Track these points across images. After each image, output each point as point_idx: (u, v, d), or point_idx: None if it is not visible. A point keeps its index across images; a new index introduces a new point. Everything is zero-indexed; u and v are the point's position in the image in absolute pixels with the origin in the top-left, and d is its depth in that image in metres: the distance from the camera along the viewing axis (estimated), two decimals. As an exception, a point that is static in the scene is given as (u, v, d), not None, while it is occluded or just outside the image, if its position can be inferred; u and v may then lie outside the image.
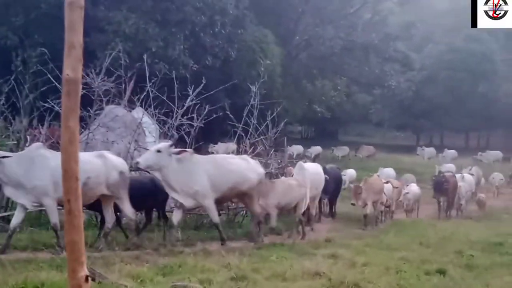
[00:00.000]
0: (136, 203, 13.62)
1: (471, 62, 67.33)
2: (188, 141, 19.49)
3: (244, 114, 20.25)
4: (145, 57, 23.09)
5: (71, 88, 4.26)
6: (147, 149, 19.28)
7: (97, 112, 18.81)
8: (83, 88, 16.53)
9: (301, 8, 54.60)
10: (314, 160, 38.92)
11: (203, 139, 32.22)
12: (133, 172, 15.57)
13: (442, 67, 68.57)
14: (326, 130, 75.25)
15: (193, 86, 20.36)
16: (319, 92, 56.20)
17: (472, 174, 29.78)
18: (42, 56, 23.97)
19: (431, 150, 52.18)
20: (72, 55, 4.23)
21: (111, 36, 34.70)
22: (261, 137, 20.92)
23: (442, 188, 24.33)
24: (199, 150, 21.45)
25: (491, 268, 13.38)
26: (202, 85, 20.47)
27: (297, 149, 46.54)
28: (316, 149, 47.92)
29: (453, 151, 52.28)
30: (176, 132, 19.82)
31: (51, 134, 18.48)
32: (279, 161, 21.51)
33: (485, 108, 67.12)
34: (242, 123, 20.26)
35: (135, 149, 18.25)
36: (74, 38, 4.24)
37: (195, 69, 36.84)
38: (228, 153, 25.29)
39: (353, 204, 19.89)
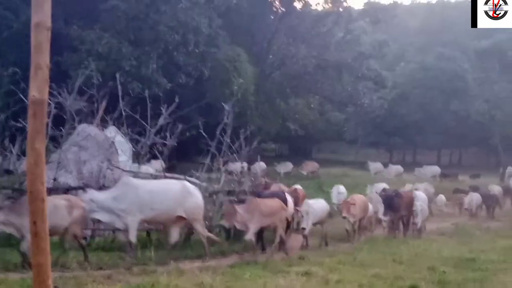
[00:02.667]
0: None
1: (442, 80, 68.10)
2: (161, 160, 19.51)
3: (218, 133, 20.26)
4: (118, 76, 23.09)
5: (37, 109, 4.25)
6: (120, 168, 19.30)
7: (69, 131, 18.73)
8: (55, 107, 16.65)
9: (274, 27, 54.93)
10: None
11: (176, 158, 32.31)
12: None
13: (414, 85, 69.28)
14: (300, 147, 75.34)
15: (166, 105, 20.40)
16: (293, 110, 56.43)
17: (415, 189, 28.64)
18: (14, 75, 23.86)
19: (377, 165, 51.47)
20: (39, 76, 4.23)
21: (84, 55, 34.55)
22: (234, 154, 20.96)
23: (393, 204, 22.41)
24: (173, 168, 21.45)
25: (463, 284, 13.44)
26: (175, 104, 20.50)
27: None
28: (287, 166, 47.37)
29: (398, 166, 52.02)
30: (149, 151, 19.83)
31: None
32: (252, 179, 21.50)
33: (457, 125, 67.83)
34: (215, 141, 20.26)
35: (107, 168, 18.17)
36: (41, 59, 4.24)
37: (168, 87, 36.78)
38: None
39: (344, 218, 20.03)
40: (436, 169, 51.58)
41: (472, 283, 13.65)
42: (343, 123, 73.22)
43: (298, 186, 24.63)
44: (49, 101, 17.47)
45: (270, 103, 52.75)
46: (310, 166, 48.23)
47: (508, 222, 28.53)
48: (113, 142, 19.41)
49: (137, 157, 20.77)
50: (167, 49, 38.35)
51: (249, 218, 15.68)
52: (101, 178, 17.76)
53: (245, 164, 24.80)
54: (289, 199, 18.84)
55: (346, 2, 57.10)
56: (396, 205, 22.32)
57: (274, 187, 22.16)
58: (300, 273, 13.28)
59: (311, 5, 58.76)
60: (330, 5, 57.06)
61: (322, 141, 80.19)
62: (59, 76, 28.42)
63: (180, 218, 14.79)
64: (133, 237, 14.14)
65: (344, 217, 19.76)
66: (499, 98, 61.81)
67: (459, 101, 67.59)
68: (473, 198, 30.45)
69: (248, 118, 34.85)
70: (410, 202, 23.39)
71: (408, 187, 30.34)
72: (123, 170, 19.67)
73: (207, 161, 21.07)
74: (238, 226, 15.89)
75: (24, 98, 16.70)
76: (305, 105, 60.01)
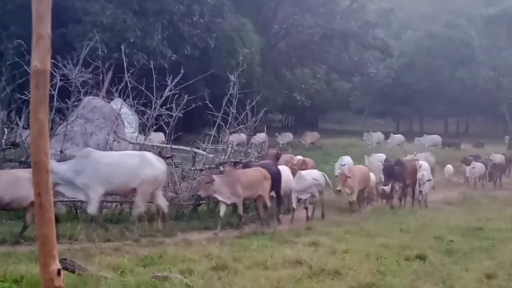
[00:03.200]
0: None
1: (449, 48, 67.60)
2: (167, 131, 19.45)
3: (223, 104, 20.18)
4: (123, 47, 23.01)
5: (40, 80, 4.20)
6: (126, 140, 19.30)
7: (75, 103, 18.66)
8: (60, 80, 16.58)
9: (279, -4, 54.63)
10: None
11: (182, 129, 32.22)
12: None
13: (420, 54, 68.80)
14: (306, 118, 75.30)
15: (171, 76, 20.26)
16: (299, 80, 56.24)
17: (416, 160, 27.24)
18: (19, 48, 23.69)
19: (378, 135, 50.13)
20: (40, 46, 4.17)
21: (88, 27, 34.45)
22: (241, 126, 20.89)
23: (394, 173, 21.74)
24: (179, 139, 21.42)
25: (470, 253, 13.46)
26: (180, 75, 20.37)
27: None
28: (287, 136, 46.67)
29: (399, 135, 50.79)
30: (155, 122, 19.77)
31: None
32: (259, 149, 21.47)
33: (464, 94, 67.47)
34: (221, 112, 20.19)
35: (114, 140, 18.16)
36: (42, 29, 4.17)
37: (173, 59, 36.68)
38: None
39: (339, 191, 19.96)
40: (436, 138, 50.41)
41: (479, 251, 13.67)
42: (350, 92, 73.01)
43: (304, 158, 24.38)
44: (54, 73, 17.43)
45: (276, 73, 52.61)
46: (310, 136, 47.21)
47: (516, 190, 28.54)
48: (119, 114, 19.38)
49: (143, 129, 20.74)
50: (172, 20, 38.16)
51: (227, 189, 15.30)
52: (108, 150, 17.75)
53: (243, 136, 24.35)
54: (286, 170, 18.61)
55: (352, -30, 56.65)
56: (398, 174, 21.79)
57: (284, 157, 22.09)
58: (307, 243, 13.31)
59: (317, -26, 58.27)
60: (335, -27, 56.55)
61: (329, 111, 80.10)
62: (64, 48, 28.36)
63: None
64: (93, 209, 13.76)
65: (339, 191, 19.68)
66: (507, 65, 61.42)
67: (465, 69, 67.13)
68: (475, 167, 29.69)
69: (254, 89, 34.66)
70: (414, 171, 23.03)
71: (409, 157, 29.01)
72: (130, 142, 19.67)
73: (213, 132, 21.03)
74: (216, 196, 15.47)
75: (29, 70, 16.62)
76: (311, 75, 59.76)
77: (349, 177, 19.30)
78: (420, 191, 22.80)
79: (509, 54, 61.96)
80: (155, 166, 14.65)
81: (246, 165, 18.29)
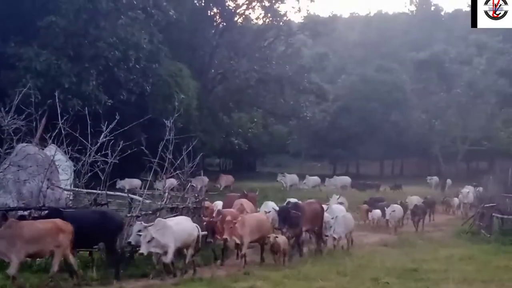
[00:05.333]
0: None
1: (382, 92, 69.24)
2: (102, 178, 19.24)
3: (160, 149, 20.10)
4: (56, 93, 22.79)
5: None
6: (61, 187, 19.00)
7: (7, 151, 18.39)
8: (-8, 127, 16.21)
9: (215, 41, 55.08)
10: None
11: (119, 175, 31.93)
12: None
13: (355, 98, 70.13)
14: (244, 161, 75.63)
15: (106, 122, 20.15)
16: (236, 124, 56.55)
17: (341, 203, 27.15)
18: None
19: (292, 177, 49.59)
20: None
21: (21, 73, 33.89)
22: (177, 171, 20.82)
23: (289, 217, 19.46)
24: (113, 186, 21.24)
25: (406, 294, 13.66)
26: (116, 120, 20.29)
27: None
28: (203, 180, 42.70)
29: (315, 177, 50.56)
30: (90, 169, 19.57)
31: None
32: (196, 195, 21.38)
33: (398, 136, 68.98)
34: (157, 158, 20.10)
35: (47, 188, 17.86)
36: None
37: (109, 104, 36.37)
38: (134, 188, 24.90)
39: (225, 241, 18.00)
40: (345, 179, 51.56)
41: (414, 293, 13.88)
42: (287, 136, 73.68)
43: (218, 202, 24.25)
44: (-14, 120, 17.18)
45: (213, 117, 52.72)
46: (225, 179, 46.22)
47: (450, 231, 28.98)
48: (53, 161, 19.11)
49: (77, 176, 20.46)
50: (107, 65, 37.94)
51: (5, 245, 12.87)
52: (42, 198, 17.44)
53: (173, 181, 24.00)
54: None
55: (286, 16, 57.56)
56: (294, 219, 19.49)
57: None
58: (245, 288, 13.28)
59: (251, 20, 59.19)
60: (270, 19, 57.33)
61: (266, 154, 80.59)
62: (-4, 95, 27.91)
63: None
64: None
65: (225, 240, 17.64)
66: (438, 108, 63.14)
67: (399, 112, 68.78)
68: (396, 210, 28.39)
69: (191, 133, 34.66)
70: (315, 215, 21.02)
71: (332, 200, 28.36)
72: (64, 189, 19.38)
73: (150, 177, 20.91)
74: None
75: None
76: (248, 119, 60.26)
77: (235, 224, 17.36)
78: (326, 236, 21.25)
79: (440, 97, 63.74)
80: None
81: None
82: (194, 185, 22.95)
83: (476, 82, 60.85)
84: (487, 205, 27.09)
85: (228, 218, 17.58)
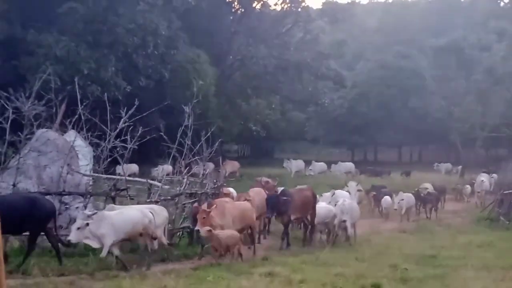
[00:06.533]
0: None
1: (401, 78, 68.81)
2: (121, 164, 19.39)
3: (178, 135, 20.19)
4: (76, 79, 22.90)
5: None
6: (80, 173, 19.14)
7: (28, 136, 18.52)
8: (13, 113, 16.47)
9: (233, 28, 54.94)
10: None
11: (137, 161, 32.13)
12: None
13: (373, 84, 69.80)
14: (262, 148, 75.54)
15: (126, 108, 20.27)
16: (254, 111, 56.46)
17: (359, 190, 26.43)
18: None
19: (298, 163, 49.70)
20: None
21: (41, 59, 34.11)
22: (196, 157, 20.92)
23: (277, 204, 18.49)
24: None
25: (425, 281, 13.65)
26: (135, 106, 20.38)
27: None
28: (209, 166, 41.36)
29: (321, 163, 50.21)
30: (110, 154, 19.71)
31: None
32: (215, 181, 21.46)
33: (416, 123, 68.49)
34: (176, 144, 20.20)
35: (67, 173, 17.99)
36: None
37: (128, 90, 36.56)
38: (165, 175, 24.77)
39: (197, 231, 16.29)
40: (350, 165, 51.09)
41: (433, 279, 13.87)
42: (304, 122, 73.40)
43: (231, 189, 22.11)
44: (7, 106, 17.33)
45: (231, 104, 52.73)
46: (230, 165, 43.55)
47: (469, 218, 28.88)
48: (73, 147, 19.23)
49: (97, 161, 20.61)
50: (126, 51, 38.09)
51: None
52: (62, 183, 17.58)
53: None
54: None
55: (304, 2, 57.25)
56: (283, 206, 18.55)
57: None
58: (263, 274, 13.33)
59: (270, 6, 58.86)
60: (288, 5, 57.12)
61: (284, 141, 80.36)
62: (16, 81, 28.14)
63: None
64: None
65: (198, 231, 15.75)
66: (457, 95, 62.64)
67: (417, 98, 68.39)
68: (404, 198, 27.48)
69: (209, 120, 34.72)
70: (306, 201, 19.82)
71: (351, 188, 27.00)
72: (84, 175, 19.51)
73: (169, 163, 21.02)
74: None
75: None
76: (266, 106, 60.10)
77: (210, 214, 15.65)
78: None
79: (459, 84, 63.24)
80: None
81: None
82: (220, 170, 22.86)
83: (496, 69, 60.13)
84: (506, 191, 26.95)
85: (203, 207, 16.02)
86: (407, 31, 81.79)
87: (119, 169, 23.97)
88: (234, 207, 17.08)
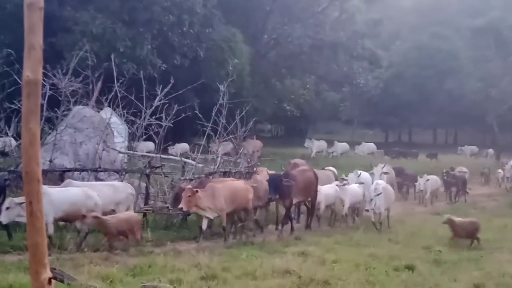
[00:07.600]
0: None
1: (437, 59, 67.89)
2: (157, 141, 19.50)
3: (213, 114, 20.22)
4: (112, 57, 23.02)
5: (31, 90, 4.21)
6: (116, 150, 19.30)
7: (64, 113, 18.73)
8: (50, 89, 16.64)
9: (269, 7, 54.64)
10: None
11: (172, 139, 32.29)
12: None
13: (409, 64, 69.05)
14: (296, 128, 75.42)
15: (161, 86, 20.37)
16: (288, 91, 56.30)
17: (386, 173, 24.53)
18: (8, 57, 23.75)
19: (320, 143, 48.73)
20: (32, 57, 4.18)
21: (78, 36, 34.37)
22: (230, 136, 20.95)
23: (280, 186, 17.37)
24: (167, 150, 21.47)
25: (458, 263, 13.55)
26: (170, 84, 20.49)
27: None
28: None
29: (344, 143, 49.40)
30: (145, 132, 19.83)
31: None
32: (249, 159, 21.48)
33: (452, 104, 67.71)
34: (211, 122, 20.23)
35: (103, 150, 18.16)
36: (34, 39, 4.19)
37: (163, 68, 36.70)
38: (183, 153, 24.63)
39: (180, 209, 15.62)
40: (372, 146, 50.78)
41: (467, 262, 13.77)
42: (339, 103, 73.01)
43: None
44: (44, 82, 17.48)
45: (265, 83, 52.65)
46: (252, 145, 39.13)
47: (504, 202, 28.56)
48: (108, 124, 19.40)
49: (132, 138, 20.77)
50: (161, 30, 38.16)
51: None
52: (97, 159, 17.76)
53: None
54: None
55: (340, -20, 56.73)
56: (285, 188, 17.48)
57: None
58: (296, 253, 13.36)
59: (306, -16, 58.38)
60: (324, -16, 56.67)
61: (318, 121, 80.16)
62: (53, 58, 28.37)
63: None
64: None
65: (181, 209, 15.18)
66: (494, 76, 61.62)
67: (453, 80, 67.46)
68: (430, 179, 26.84)
69: (243, 99, 34.71)
70: (309, 183, 18.93)
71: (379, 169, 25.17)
72: (119, 152, 19.68)
73: (203, 142, 21.08)
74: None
75: (18, 80, 16.61)
76: (301, 85, 59.87)
77: (197, 193, 14.95)
78: (366, 210, 19.34)
79: (496, 65, 62.21)
80: None
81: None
82: (241, 149, 22.03)
83: (535, 50, 59.20)
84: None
85: (188, 187, 15.31)
86: (443, 11, 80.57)
87: (171, 149, 24.09)
88: (225, 187, 16.09)
